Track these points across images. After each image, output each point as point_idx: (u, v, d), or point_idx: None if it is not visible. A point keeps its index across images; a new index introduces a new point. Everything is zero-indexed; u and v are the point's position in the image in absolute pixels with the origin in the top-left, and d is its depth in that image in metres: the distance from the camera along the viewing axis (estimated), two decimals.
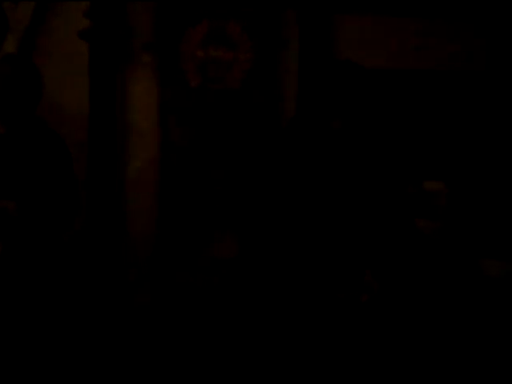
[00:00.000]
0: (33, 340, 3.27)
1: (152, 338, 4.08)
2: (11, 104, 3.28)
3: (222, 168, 4.18)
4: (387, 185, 3.38)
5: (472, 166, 4.16)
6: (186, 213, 4.18)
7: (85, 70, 4.03)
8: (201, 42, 4.15)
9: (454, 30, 4.19)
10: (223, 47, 4.16)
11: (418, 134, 4.18)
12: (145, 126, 4.17)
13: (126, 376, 3.95)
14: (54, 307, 3.36)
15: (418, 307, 3.41)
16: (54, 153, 3.34)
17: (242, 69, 4.18)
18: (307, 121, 3.42)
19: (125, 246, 4.16)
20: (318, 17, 4.12)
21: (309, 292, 3.30)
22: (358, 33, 4.14)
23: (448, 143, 4.19)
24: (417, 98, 4.20)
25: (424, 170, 3.88)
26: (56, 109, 3.94)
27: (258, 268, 3.63)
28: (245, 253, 4.05)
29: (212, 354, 4.01)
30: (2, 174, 3.26)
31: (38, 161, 3.30)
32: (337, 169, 3.33)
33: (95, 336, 3.96)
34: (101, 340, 3.97)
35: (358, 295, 3.27)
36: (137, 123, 4.16)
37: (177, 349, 4.06)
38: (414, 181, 3.62)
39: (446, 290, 3.47)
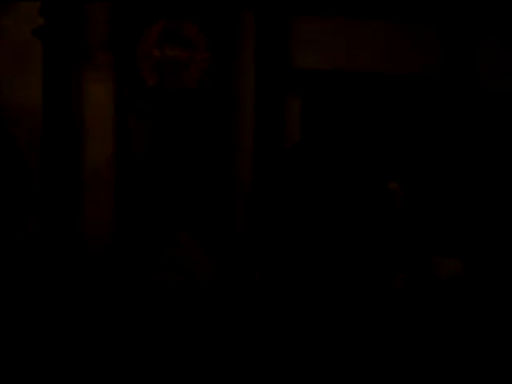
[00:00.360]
0: None
1: (109, 338, 4.07)
2: None
3: (179, 168, 4.18)
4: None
5: (425, 168, 4.24)
6: (144, 213, 4.17)
7: (39, 69, 3.98)
8: (157, 41, 4.13)
9: (410, 34, 4.25)
10: (179, 46, 4.15)
11: (375, 137, 4.24)
12: (101, 125, 4.13)
13: (81, 376, 3.94)
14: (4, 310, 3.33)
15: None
16: (5, 153, 3.30)
17: (199, 68, 4.17)
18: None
19: (81, 246, 4.13)
20: (274, 18, 4.14)
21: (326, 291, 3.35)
22: (315, 34, 4.17)
23: (403, 146, 4.25)
24: (372, 101, 4.25)
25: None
26: (11, 109, 3.89)
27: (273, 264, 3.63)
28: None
29: (174, 354, 4.03)
30: None
31: None
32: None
33: (49, 337, 3.93)
34: (54, 341, 3.95)
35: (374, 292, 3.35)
36: (93, 123, 4.13)
37: (136, 349, 4.06)
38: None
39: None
